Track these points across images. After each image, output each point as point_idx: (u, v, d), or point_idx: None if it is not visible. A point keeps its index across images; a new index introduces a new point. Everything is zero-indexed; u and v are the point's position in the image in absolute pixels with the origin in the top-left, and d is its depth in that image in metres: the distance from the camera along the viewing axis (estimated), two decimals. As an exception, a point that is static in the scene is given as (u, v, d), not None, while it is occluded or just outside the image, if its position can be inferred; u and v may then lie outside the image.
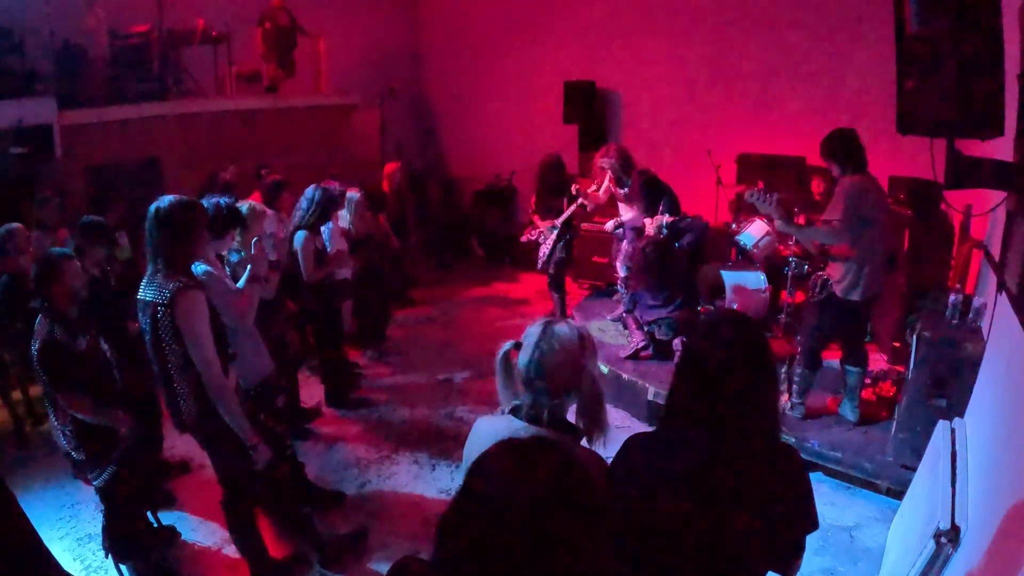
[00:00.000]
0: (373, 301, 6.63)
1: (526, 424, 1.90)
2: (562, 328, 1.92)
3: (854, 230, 4.29)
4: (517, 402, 1.97)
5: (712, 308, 6.22)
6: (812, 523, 1.85)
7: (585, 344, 1.91)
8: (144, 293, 3.10)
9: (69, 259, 3.48)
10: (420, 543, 4.08)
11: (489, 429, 1.98)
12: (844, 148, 4.35)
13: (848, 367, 4.81)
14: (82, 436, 3.41)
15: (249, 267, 3.74)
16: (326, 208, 5.16)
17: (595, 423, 1.93)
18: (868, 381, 5.12)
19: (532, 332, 1.94)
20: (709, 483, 1.75)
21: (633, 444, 1.94)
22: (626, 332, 6.52)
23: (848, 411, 4.86)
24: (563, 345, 1.88)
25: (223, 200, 3.82)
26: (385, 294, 6.98)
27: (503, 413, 2.01)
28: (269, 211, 5.39)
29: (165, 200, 3.09)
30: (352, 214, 6.02)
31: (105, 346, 3.61)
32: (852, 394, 4.85)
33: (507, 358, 2.01)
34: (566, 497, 1.11)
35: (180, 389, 3.13)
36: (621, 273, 7.04)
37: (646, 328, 5.98)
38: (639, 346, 5.98)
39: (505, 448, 1.21)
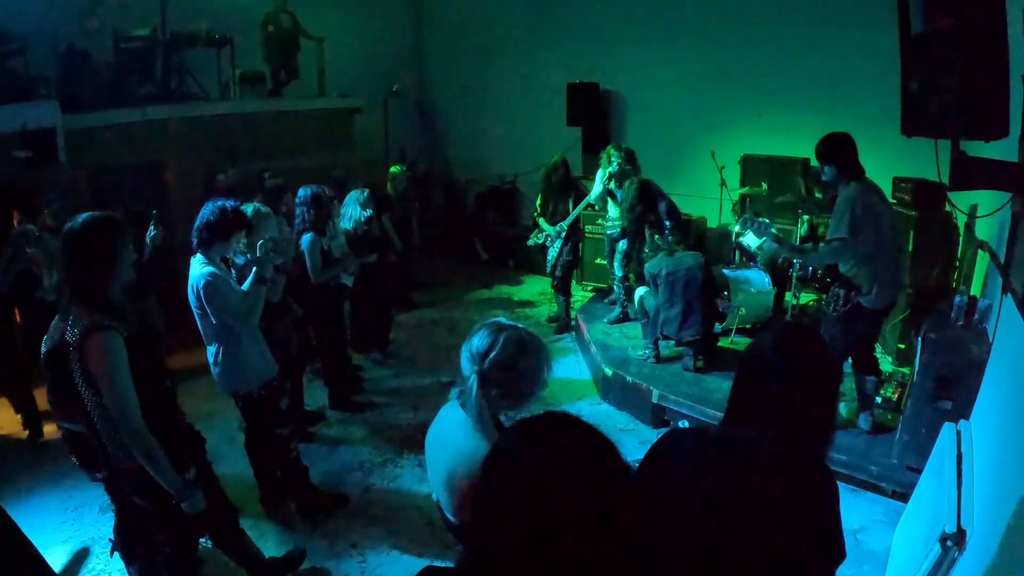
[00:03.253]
0: (375, 303, 6.62)
1: (457, 407, 2.17)
2: (479, 335, 2.09)
3: (866, 240, 4.21)
4: (461, 387, 2.16)
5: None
6: (840, 554, 1.88)
7: (489, 354, 2.04)
8: (53, 333, 2.81)
9: None
10: (424, 546, 4.08)
11: (440, 414, 2.29)
12: (844, 153, 4.25)
13: (865, 376, 4.75)
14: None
15: (255, 269, 3.74)
16: (317, 207, 5.17)
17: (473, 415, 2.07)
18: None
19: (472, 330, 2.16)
20: (762, 492, 1.75)
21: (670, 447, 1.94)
22: (632, 336, 6.53)
23: (863, 420, 4.78)
24: (472, 347, 2.08)
25: (228, 203, 3.82)
26: (387, 296, 6.97)
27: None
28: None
29: (80, 218, 2.77)
30: (357, 213, 6.01)
31: None
32: (868, 403, 4.78)
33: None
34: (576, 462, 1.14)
35: (103, 432, 2.86)
36: (617, 273, 7.04)
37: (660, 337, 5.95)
38: (649, 357, 5.99)
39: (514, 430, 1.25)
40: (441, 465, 2.10)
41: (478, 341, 2.06)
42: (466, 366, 2.06)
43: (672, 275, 5.59)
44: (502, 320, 2.13)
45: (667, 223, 6.13)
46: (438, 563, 3.87)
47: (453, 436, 2.09)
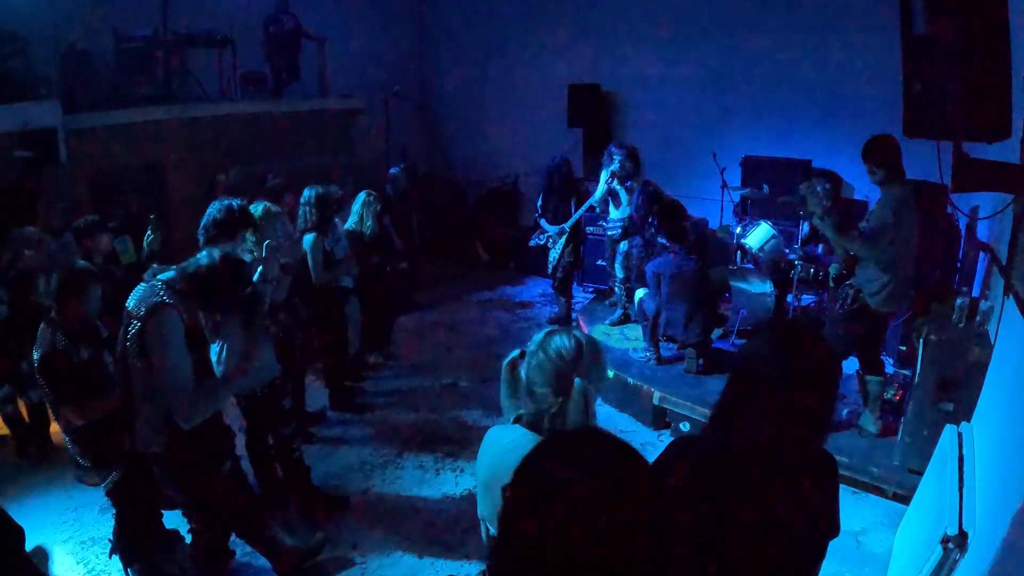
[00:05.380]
0: (378, 304, 6.62)
1: (526, 432, 1.92)
2: (559, 337, 1.95)
3: (893, 240, 4.22)
4: (521, 411, 1.98)
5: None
6: (836, 528, 1.88)
7: (582, 353, 1.92)
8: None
9: (96, 281, 3.54)
10: (425, 547, 4.07)
11: (496, 438, 2.02)
12: (895, 157, 4.22)
13: (869, 377, 4.74)
14: (84, 442, 3.42)
15: (259, 269, 3.74)
16: (323, 209, 5.16)
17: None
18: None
19: (535, 340, 1.97)
20: (772, 493, 1.75)
21: (687, 451, 1.93)
22: (632, 337, 6.52)
23: (870, 423, 4.77)
24: (558, 355, 1.90)
25: (235, 202, 3.82)
26: (389, 297, 6.97)
27: (510, 422, 2.02)
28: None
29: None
30: (365, 215, 6.01)
31: (109, 359, 3.60)
32: (874, 405, 4.76)
33: (512, 366, 2.02)
34: (618, 482, 1.13)
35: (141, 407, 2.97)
36: (618, 275, 7.02)
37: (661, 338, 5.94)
38: (650, 359, 5.98)
39: (550, 445, 1.23)
40: None
41: (559, 345, 1.92)
42: (546, 384, 1.90)
43: (678, 275, 5.58)
44: (538, 339, 2.00)
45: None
46: (441, 562, 3.89)
47: None
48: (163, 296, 2.85)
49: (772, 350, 1.80)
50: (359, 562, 3.98)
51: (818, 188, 4.63)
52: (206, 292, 2.97)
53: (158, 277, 2.95)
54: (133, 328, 2.84)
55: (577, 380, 1.87)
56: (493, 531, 1.99)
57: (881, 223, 4.26)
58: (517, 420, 1.98)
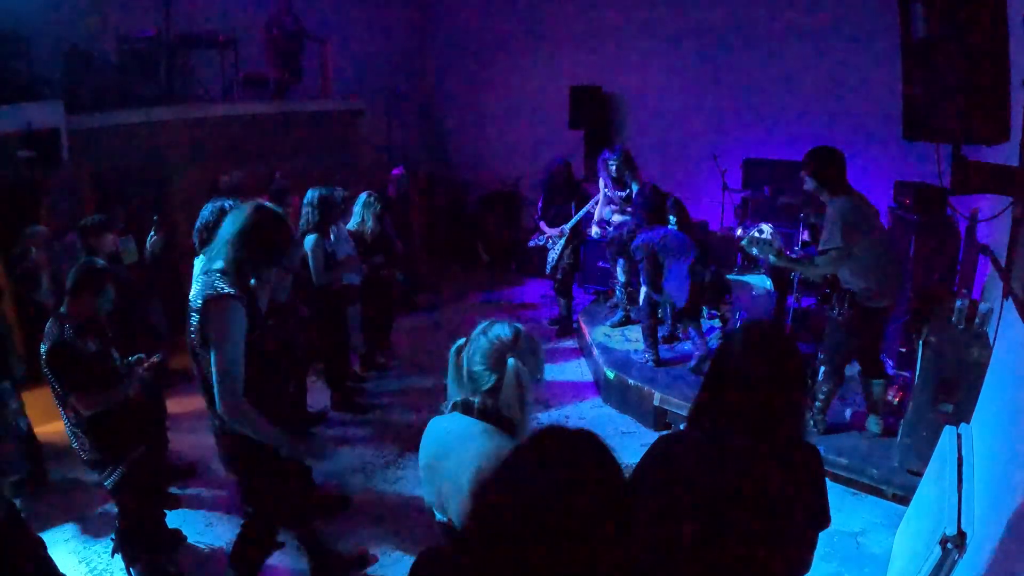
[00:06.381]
0: (379, 306, 6.63)
1: (460, 416, 2.06)
2: (499, 325, 2.06)
3: (862, 246, 4.24)
4: (457, 398, 2.11)
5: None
6: (826, 520, 1.95)
7: (518, 338, 2.03)
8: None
9: (111, 280, 3.60)
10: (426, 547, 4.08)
11: (435, 426, 2.18)
12: (825, 169, 4.33)
13: (873, 380, 4.75)
14: (91, 436, 3.43)
15: None
16: (325, 210, 5.17)
17: (513, 414, 2.00)
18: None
19: (478, 328, 2.10)
20: (745, 487, 1.80)
21: (665, 449, 2.05)
22: (633, 339, 6.53)
23: (872, 423, 4.78)
24: (496, 337, 2.02)
25: (227, 202, 3.84)
26: (389, 298, 6.98)
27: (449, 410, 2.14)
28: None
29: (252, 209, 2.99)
30: (366, 215, 6.02)
31: (115, 355, 3.63)
32: (877, 406, 4.77)
33: (458, 353, 2.12)
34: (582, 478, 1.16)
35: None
36: (620, 279, 7.03)
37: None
38: (649, 359, 5.99)
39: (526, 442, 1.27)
40: (461, 474, 1.91)
41: (499, 331, 2.03)
42: (483, 363, 2.00)
43: (672, 240, 5.71)
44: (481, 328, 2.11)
45: (672, 218, 6.15)
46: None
47: (468, 445, 1.98)
48: (219, 286, 2.79)
49: (741, 351, 1.90)
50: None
51: (758, 236, 4.70)
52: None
53: (213, 267, 2.87)
54: (193, 320, 2.83)
55: (511, 360, 1.95)
56: (439, 516, 2.09)
57: (831, 246, 4.29)
58: (455, 407, 2.10)
